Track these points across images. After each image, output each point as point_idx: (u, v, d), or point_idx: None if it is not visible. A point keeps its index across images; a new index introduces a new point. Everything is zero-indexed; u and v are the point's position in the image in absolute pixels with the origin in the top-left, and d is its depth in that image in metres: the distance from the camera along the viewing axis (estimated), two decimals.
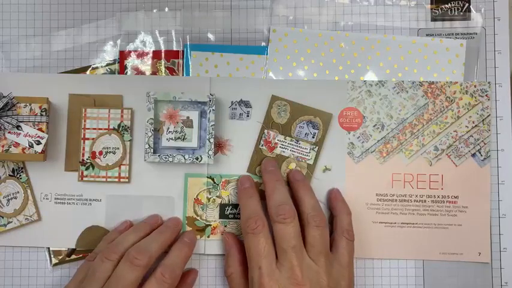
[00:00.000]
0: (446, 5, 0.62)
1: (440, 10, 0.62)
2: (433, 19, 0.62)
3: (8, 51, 0.62)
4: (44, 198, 0.60)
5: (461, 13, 0.62)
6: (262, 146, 0.60)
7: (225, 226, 0.60)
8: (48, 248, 0.61)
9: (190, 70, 0.62)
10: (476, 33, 0.61)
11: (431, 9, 0.62)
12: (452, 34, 0.62)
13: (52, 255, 0.61)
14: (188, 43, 0.62)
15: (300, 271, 0.51)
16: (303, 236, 0.54)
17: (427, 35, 0.62)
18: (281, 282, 0.51)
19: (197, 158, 0.58)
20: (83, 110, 0.60)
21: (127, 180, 0.60)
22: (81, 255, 0.61)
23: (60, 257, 0.61)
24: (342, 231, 0.56)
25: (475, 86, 0.60)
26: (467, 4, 0.62)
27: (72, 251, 0.61)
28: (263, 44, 0.62)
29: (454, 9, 0.62)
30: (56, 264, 0.61)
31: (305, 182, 0.58)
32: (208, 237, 0.60)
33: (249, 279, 0.53)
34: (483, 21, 0.62)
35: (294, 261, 0.52)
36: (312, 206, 0.55)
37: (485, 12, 0.62)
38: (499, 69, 0.61)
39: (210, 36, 0.62)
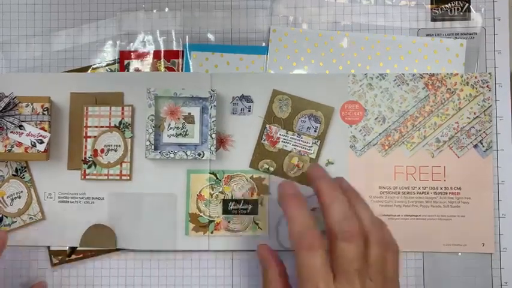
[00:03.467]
0: (446, 5, 0.62)
1: (440, 10, 0.62)
2: (433, 19, 0.62)
3: (8, 51, 0.63)
4: (47, 197, 0.61)
5: (461, 13, 0.62)
6: (264, 140, 0.60)
7: (229, 222, 0.60)
8: (48, 248, 0.61)
9: (191, 70, 0.62)
10: (476, 33, 0.61)
11: (431, 9, 0.62)
12: (452, 34, 0.62)
13: (52, 255, 0.61)
14: (188, 43, 0.62)
15: None
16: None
17: (427, 35, 0.62)
18: None
19: (199, 154, 0.58)
20: (84, 108, 0.60)
21: (128, 177, 0.60)
22: (81, 255, 0.61)
23: (61, 257, 0.61)
24: (379, 242, 0.48)
25: (475, 77, 0.60)
26: (467, 4, 0.62)
27: (72, 251, 0.61)
28: (263, 44, 0.62)
29: (454, 9, 0.62)
30: (56, 264, 0.61)
31: (354, 191, 0.51)
32: (211, 233, 0.60)
33: None
34: (483, 21, 0.62)
35: (356, 285, 0.46)
36: (371, 220, 0.49)
37: (485, 12, 0.62)
38: (499, 69, 0.61)
39: (210, 36, 0.62)
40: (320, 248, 0.46)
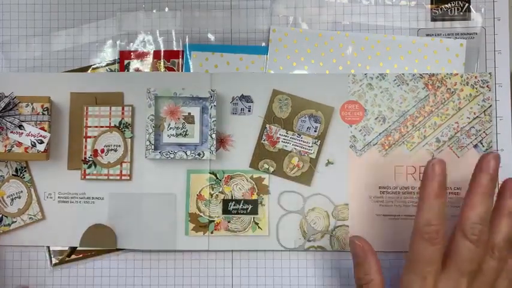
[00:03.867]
0: (446, 5, 0.62)
1: (440, 10, 0.62)
2: (433, 19, 0.62)
3: (8, 51, 0.63)
4: (47, 197, 0.61)
5: (461, 13, 0.62)
6: (264, 140, 0.60)
7: (229, 222, 0.60)
8: (48, 248, 0.61)
9: (191, 70, 0.62)
10: (476, 33, 0.61)
11: (431, 9, 0.62)
12: (452, 34, 0.62)
13: (52, 255, 0.61)
14: (188, 43, 0.62)
15: None
16: None
17: (427, 35, 0.62)
18: None
19: (199, 154, 0.58)
20: (85, 108, 0.60)
21: (128, 177, 0.60)
22: (81, 255, 0.61)
23: (61, 257, 0.61)
24: (508, 274, 0.50)
25: (475, 77, 0.60)
26: (467, 4, 0.62)
27: (72, 251, 0.61)
28: (263, 44, 0.62)
29: (454, 9, 0.62)
30: (56, 264, 0.61)
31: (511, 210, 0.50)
32: (211, 233, 0.60)
33: (404, 283, 0.50)
34: (483, 21, 0.62)
35: (463, 284, 0.48)
36: (506, 238, 0.49)
37: (485, 12, 0.62)
38: (499, 69, 0.61)
39: (210, 36, 0.62)
40: (441, 243, 0.48)
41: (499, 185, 0.53)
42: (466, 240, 0.48)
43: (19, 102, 0.59)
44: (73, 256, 0.61)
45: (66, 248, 0.61)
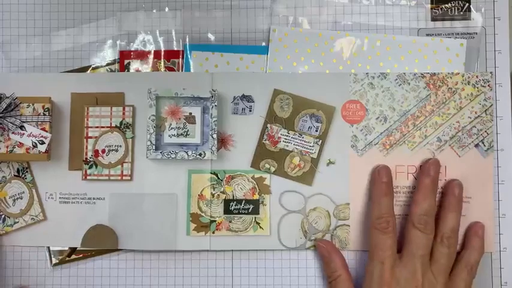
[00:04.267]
0: (447, 5, 0.62)
1: (440, 10, 0.62)
2: (433, 19, 0.62)
3: (8, 51, 0.63)
4: (49, 197, 0.61)
5: (461, 13, 0.62)
6: (265, 140, 0.60)
7: (230, 222, 0.60)
8: (48, 248, 0.61)
9: (191, 70, 0.62)
10: (476, 33, 0.61)
11: (431, 9, 0.62)
12: (452, 34, 0.62)
13: (52, 255, 0.61)
14: (188, 43, 0.62)
15: (421, 277, 0.55)
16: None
17: (427, 34, 0.62)
18: (401, 282, 0.55)
19: (200, 154, 0.58)
20: (86, 108, 0.60)
21: (129, 178, 0.60)
22: (81, 255, 0.61)
23: (61, 257, 0.61)
24: (467, 264, 0.57)
25: (477, 77, 0.60)
26: (467, 4, 0.62)
27: (72, 251, 0.61)
28: (263, 44, 0.62)
29: (454, 9, 0.62)
30: (56, 264, 0.61)
31: (459, 203, 0.58)
32: (213, 233, 0.60)
33: (368, 272, 0.56)
34: (483, 21, 0.62)
35: (418, 267, 0.55)
36: (452, 228, 0.56)
37: (485, 12, 0.62)
38: (499, 69, 0.61)
39: (210, 36, 0.62)
40: (392, 232, 0.56)
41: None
42: (415, 229, 0.56)
43: (20, 103, 0.58)
44: (73, 256, 0.61)
45: (67, 248, 0.61)
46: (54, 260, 0.61)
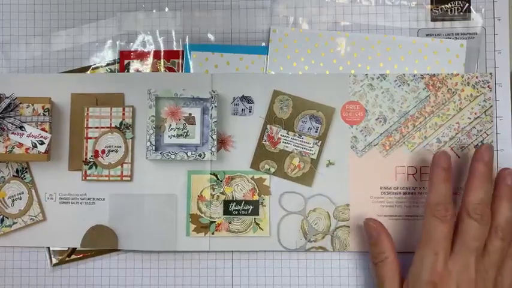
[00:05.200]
0: (446, 5, 0.62)
1: (440, 10, 0.62)
2: (433, 19, 0.62)
3: (8, 51, 0.63)
4: (48, 198, 0.61)
5: (461, 13, 0.62)
6: (265, 141, 0.60)
7: (230, 223, 0.60)
8: (48, 248, 0.61)
9: (191, 70, 0.62)
10: (476, 33, 0.61)
11: (431, 9, 0.62)
12: (452, 34, 0.62)
13: (52, 255, 0.61)
14: (188, 43, 0.62)
15: (474, 272, 0.52)
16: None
17: (427, 35, 0.62)
18: (453, 275, 0.52)
19: (200, 155, 0.58)
20: (85, 109, 0.60)
21: (129, 178, 0.60)
22: (81, 255, 0.61)
23: (61, 257, 0.61)
24: None
25: (476, 78, 0.60)
26: (467, 4, 0.62)
27: (72, 251, 0.61)
28: (263, 44, 0.62)
29: (454, 9, 0.62)
30: (56, 264, 0.61)
31: None
32: (213, 233, 0.60)
33: (417, 259, 0.54)
34: (483, 21, 0.62)
35: (471, 260, 0.52)
36: (506, 219, 0.54)
37: (485, 12, 0.62)
38: (499, 69, 0.61)
39: (210, 36, 0.62)
40: (450, 222, 0.53)
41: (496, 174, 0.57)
42: (470, 219, 0.52)
43: (20, 103, 0.58)
44: (73, 256, 0.61)
45: (66, 248, 0.61)
46: (54, 260, 0.61)
